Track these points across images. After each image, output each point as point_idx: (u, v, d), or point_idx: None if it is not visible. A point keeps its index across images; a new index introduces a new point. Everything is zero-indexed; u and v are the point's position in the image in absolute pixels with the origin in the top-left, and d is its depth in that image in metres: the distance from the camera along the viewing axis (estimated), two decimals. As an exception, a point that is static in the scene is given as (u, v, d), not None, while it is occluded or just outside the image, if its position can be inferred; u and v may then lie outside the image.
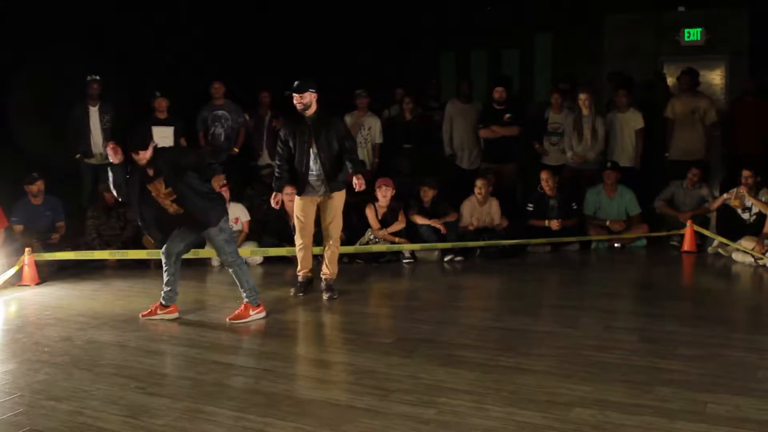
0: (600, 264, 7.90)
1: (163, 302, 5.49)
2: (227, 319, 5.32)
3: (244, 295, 5.40)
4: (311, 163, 5.91)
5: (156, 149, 5.17)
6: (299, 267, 6.22)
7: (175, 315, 5.49)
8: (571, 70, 10.42)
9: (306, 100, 5.81)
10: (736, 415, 3.47)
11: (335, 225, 6.09)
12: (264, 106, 9.27)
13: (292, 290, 6.22)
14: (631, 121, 8.80)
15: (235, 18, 10.75)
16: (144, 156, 5.08)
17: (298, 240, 6.16)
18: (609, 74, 9.85)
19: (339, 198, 6.06)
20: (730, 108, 9.18)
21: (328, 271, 6.13)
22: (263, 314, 5.41)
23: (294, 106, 5.86)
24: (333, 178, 5.96)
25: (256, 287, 5.45)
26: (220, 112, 8.92)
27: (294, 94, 5.82)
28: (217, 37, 10.36)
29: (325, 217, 6.06)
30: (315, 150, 5.88)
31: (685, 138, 8.71)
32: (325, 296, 6.04)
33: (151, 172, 5.13)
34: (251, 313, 5.37)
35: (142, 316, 5.48)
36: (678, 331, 4.96)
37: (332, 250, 6.13)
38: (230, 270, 5.40)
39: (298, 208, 6.07)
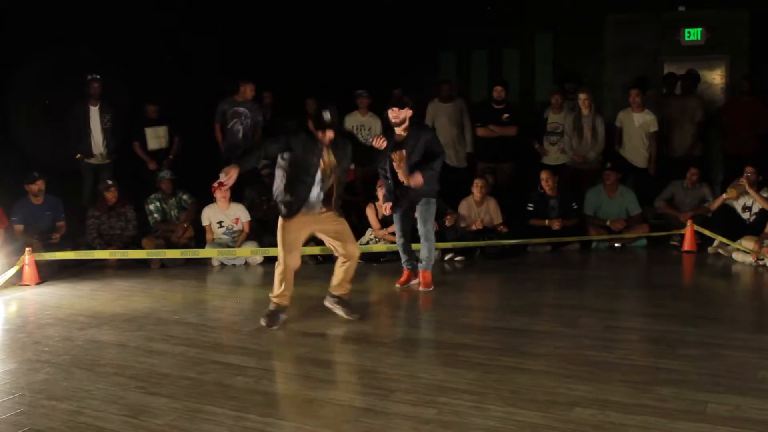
0: (600, 264, 7.89)
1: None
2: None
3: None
4: (314, 188, 5.12)
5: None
6: (276, 292, 5.22)
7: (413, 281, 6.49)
8: (571, 69, 10.41)
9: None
10: (736, 415, 3.48)
11: (354, 245, 5.36)
12: (266, 106, 9.24)
13: (263, 320, 5.22)
14: (644, 122, 8.79)
15: (232, 17, 10.76)
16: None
17: (280, 266, 5.18)
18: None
19: (344, 220, 5.41)
20: (727, 108, 9.17)
21: (347, 286, 5.41)
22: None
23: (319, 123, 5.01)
24: (336, 202, 5.31)
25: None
26: (241, 109, 8.85)
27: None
28: (215, 37, 10.37)
29: (343, 240, 5.28)
30: (323, 175, 5.14)
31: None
32: (343, 314, 5.37)
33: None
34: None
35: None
36: (678, 331, 4.96)
37: (350, 266, 5.34)
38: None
39: (290, 230, 5.13)
